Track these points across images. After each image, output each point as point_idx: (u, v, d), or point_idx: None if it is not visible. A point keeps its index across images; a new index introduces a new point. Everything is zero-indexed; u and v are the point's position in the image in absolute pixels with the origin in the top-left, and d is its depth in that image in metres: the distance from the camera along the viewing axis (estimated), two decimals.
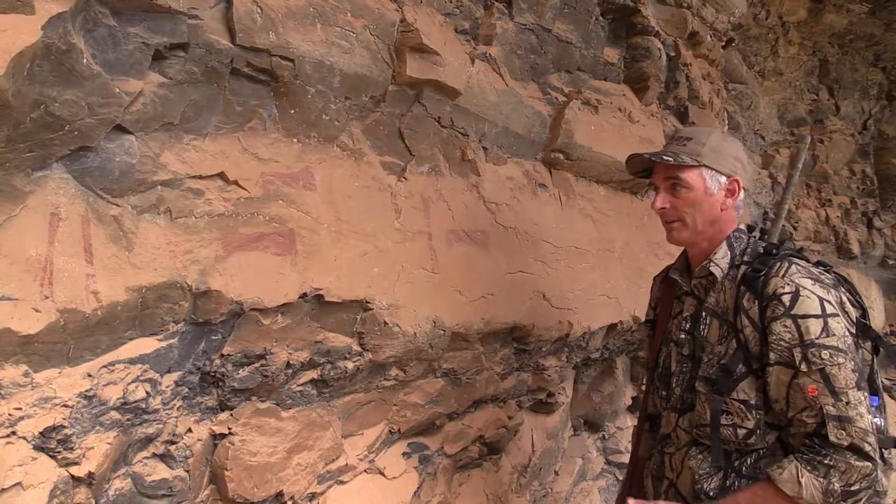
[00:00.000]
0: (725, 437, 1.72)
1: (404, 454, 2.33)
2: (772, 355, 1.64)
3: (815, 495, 1.53)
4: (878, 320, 6.65)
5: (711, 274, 1.81)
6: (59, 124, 1.29)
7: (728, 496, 1.67)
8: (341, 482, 2.08)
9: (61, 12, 1.24)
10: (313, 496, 1.99)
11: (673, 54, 3.79)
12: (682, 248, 2.02)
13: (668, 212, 1.84)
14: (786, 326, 1.62)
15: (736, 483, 1.71)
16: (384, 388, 2.17)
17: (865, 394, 1.59)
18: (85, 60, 1.31)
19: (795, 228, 6.22)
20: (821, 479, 1.53)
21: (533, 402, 3.07)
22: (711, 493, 1.73)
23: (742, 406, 1.70)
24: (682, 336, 1.88)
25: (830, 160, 6.53)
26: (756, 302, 1.69)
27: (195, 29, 1.53)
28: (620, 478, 3.93)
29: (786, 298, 1.63)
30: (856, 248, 6.61)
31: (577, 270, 2.95)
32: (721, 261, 1.80)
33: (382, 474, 2.21)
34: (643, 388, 2.28)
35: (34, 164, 1.30)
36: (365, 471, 2.17)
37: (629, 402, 3.99)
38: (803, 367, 1.59)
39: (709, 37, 4.17)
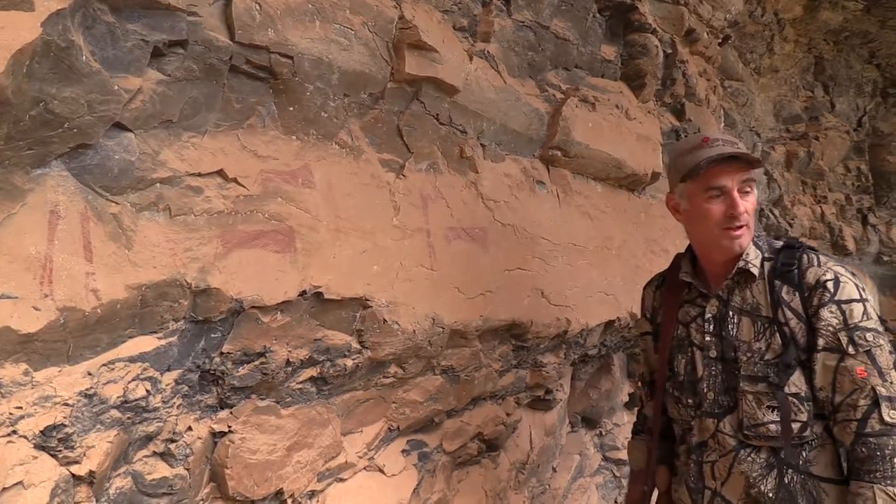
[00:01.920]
0: (778, 432, 1.73)
1: (403, 451, 2.33)
2: (820, 341, 1.70)
3: None
4: None
5: (746, 274, 1.81)
6: (58, 122, 1.29)
7: None
8: (341, 480, 2.08)
9: (61, 9, 1.23)
10: (313, 494, 1.99)
11: (670, 51, 3.79)
12: (679, 254, 2.04)
13: (744, 216, 1.78)
14: (832, 312, 1.69)
15: (794, 478, 1.72)
16: (383, 385, 2.17)
17: None
18: (84, 58, 1.30)
19: (791, 225, 6.23)
20: None
21: (531, 399, 3.08)
22: (771, 494, 1.73)
23: (795, 399, 1.72)
24: (708, 339, 1.86)
25: (826, 157, 6.54)
26: (797, 293, 1.74)
27: (194, 26, 1.52)
28: (617, 474, 3.94)
29: (829, 285, 1.70)
30: (851, 245, 6.63)
31: (574, 267, 2.96)
32: (755, 260, 1.81)
33: (382, 472, 2.21)
34: (644, 401, 2.21)
35: (33, 161, 1.30)
36: (364, 468, 2.17)
37: (626, 398, 4.00)
38: (850, 350, 1.66)
39: (705, 34, 4.17)
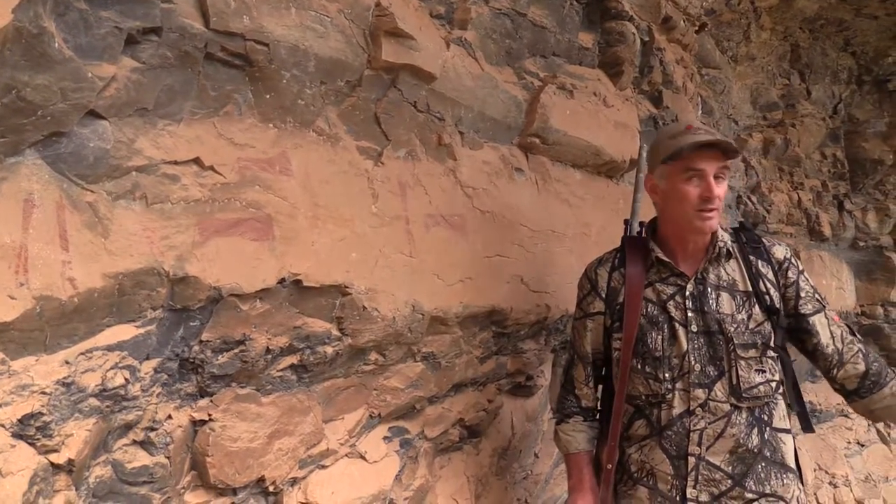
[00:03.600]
0: (765, 392, 1.97)
1: (385, 438, 2.34)
2: (809, 307, 2.05)
3: None
4: (849, 301, 6.77)
5: (726, 253, 2.05)
6: (31, 109, 1.28)
7: None
8: (322, 467, 2.09)
9: None
10: (295, 481, 2.00)
11: (647, 39, 3.81)
12: (630, 237, 2.32)
13: (717, 200, 1.95)
14: (805, 280, 2.06)
15: (768, 431, 1.98)
16: (364, 372, 2.18)
17: None
18: (56, 44, 1.29)
19: (768, 212, 6.28)
20: None
21: (512, 386, 3.09)
22: (755, 450, 1.96)
23: (773, 362, 1.99)
24: (690, 315, 2.00)
25: (802, 144, 6.59)
26: (769, 267, 2.04)
27: (168, 13, 1.51)
28: None
29: (794, 260, 2.06)
30: (827, 231, 6.70)
31: (553, 254, 2.98)
32: (727, 240, 2.04)
33: (363, 458, 2.22)
34: (588, 384, 2.28)
35: (7, 150, 1.29)
36: (346, 455, 2.18)
37: None
38: (826, 305, 2.07)
39: (682, 22, 4.19)
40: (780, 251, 2.06)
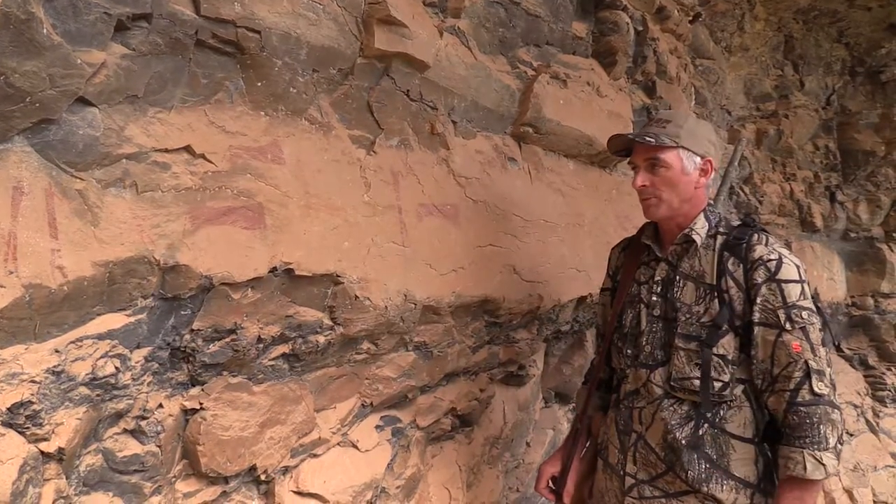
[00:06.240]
0: (702, 388, 1.90)
1: (377, 427, 2.35)
2: (757, 316, 1.85)
3: (834, 464, 1.74)
4: (840, 292, 6.80)
5: (690, 241, 1.98)
6: (19, 96, 1.27)
7: None
8: (314, 455, 2.09)
9: None
10: (286, 469, 2.01)
11: (641, 29, 3.80)
12: (649, 221, 2.17)
13: (647, 189, 1.99)
14: (771, 290, 1.84)
15: (708, 431, 1.91)
16: (356, 361, 2.18)
17: (828, 350, 1.83)
18: (45, 30, 1.28)
19: (761, 202, 6.29)
20: (830, 450, 1.74)
21: (504, 375, 3.10)
22: (684, 441, 1.91)
23: (721, 360, 1.89)
24: (654, 298, 2.05)
25: (795, 135, 6.60)
26: (741, 265, 1.90)
27: None
28: None
29: (771, 265, 1.85)
30: (819, 222, 6.72)
31: (546, 244, 2.98)
32: (700, 230, 1.99)
33: (355, 447, 2.23)
34: (599, 354, 2.43)
35: None
36: (338, 444, 2.18)
37: None
38: (788, 326, 1.81)
39: (676, 12, 4.19)
40: (759, 252, 1.87)
